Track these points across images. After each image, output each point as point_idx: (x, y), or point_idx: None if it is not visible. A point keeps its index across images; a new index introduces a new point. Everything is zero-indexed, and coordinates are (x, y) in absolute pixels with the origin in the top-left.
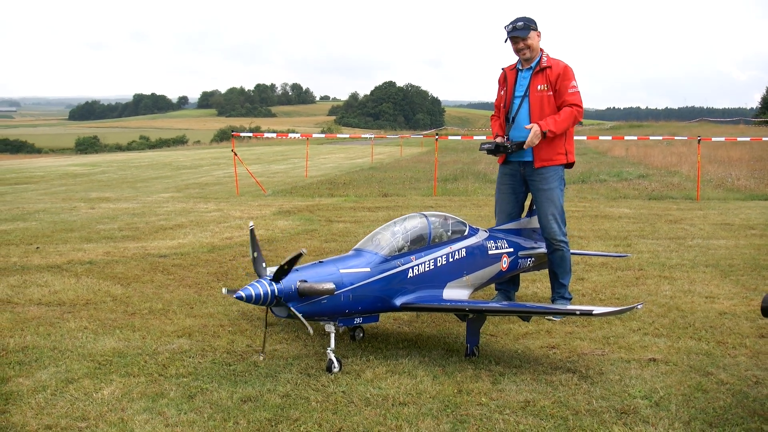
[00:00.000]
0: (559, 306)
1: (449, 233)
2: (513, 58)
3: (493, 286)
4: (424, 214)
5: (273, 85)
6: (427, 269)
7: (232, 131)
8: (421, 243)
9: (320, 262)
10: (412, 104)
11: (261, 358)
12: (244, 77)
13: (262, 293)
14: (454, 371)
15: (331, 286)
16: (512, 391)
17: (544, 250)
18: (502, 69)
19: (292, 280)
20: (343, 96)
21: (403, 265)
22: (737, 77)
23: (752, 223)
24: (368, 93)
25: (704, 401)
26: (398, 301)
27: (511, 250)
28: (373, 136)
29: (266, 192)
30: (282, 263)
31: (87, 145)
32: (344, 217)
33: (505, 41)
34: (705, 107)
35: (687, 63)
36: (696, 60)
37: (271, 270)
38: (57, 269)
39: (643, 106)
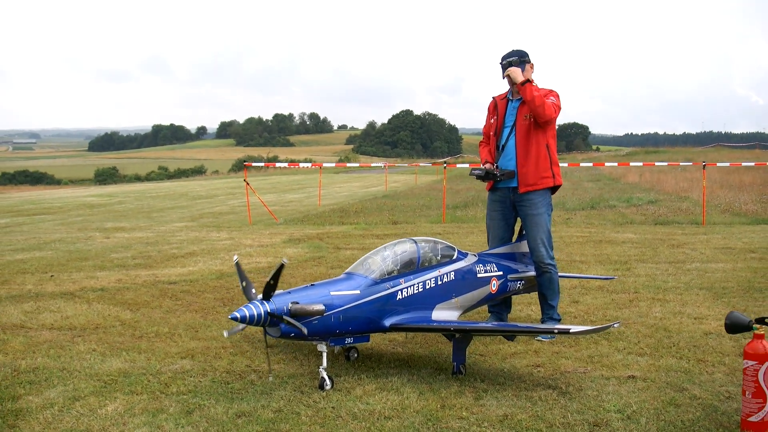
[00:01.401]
0: (538, 325)
1: (438, 257)
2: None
3: (486, 308)
4: (413, 240)
5: (291, 115)
6: (416, 291)
7: (244, 162)
8: (410, 267)
9: (312, 285)
10: (429, 132)
11: (270, 378)
12: (263, 107)
13: (255, 314)
14: (440, 388)
15: (321, 307)
16: (493, 406)
17: (533, 273)
18: (493, 98)
19: (284, 302)
20: (361, 125)
21: (392, 287)
22: (755, 101)
23: (754, 246)
24: (386, 122)
25: (674, 414)
26: (387, 322)
27: (501, 273)
28: (382, 164)
29: (278, 221)
30: (268, 279)
31: (106, 176)
32: (352, 244)
33: (503, 77)
34: (723, 132)
35: (704, 87)
36: (713, 83)
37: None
38: (70, 296)
39: (660, 131)
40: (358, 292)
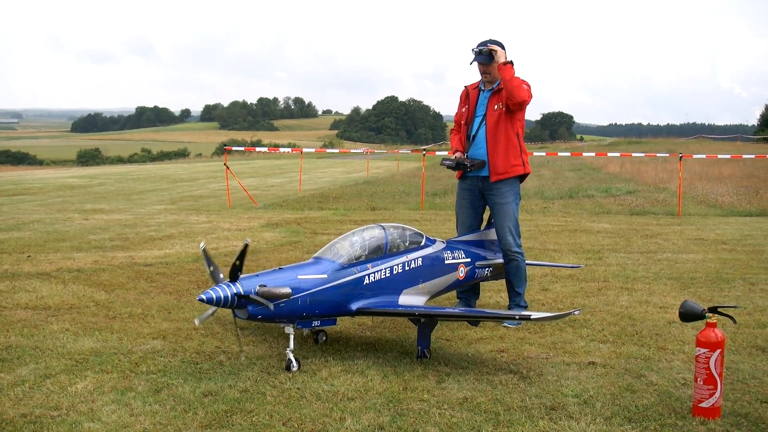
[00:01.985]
0: (500, 311)
1: (406, 243)
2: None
3: (454, 294)
4: (382, 226)
5: (276, 99)
6: (383, 276)
7: (224, 146)
8: (378, 252)
9: (280, 268)
10: (414, 119)
11: (242, 357)
12: (247, 91)
13: (223, 296)
14: (404, 371)
15: (287, 290)
16: (454, 389)
17: (501, 260)
18: (465, 86)
19: (252, 284)
20: (346, 110)
21: (359, 272)
22: (738, 93)
23: (726, 238)
24: (370, 107)
25: (629, 400)
26: (354, 306)
27: (469, 260)
28: (363, 150)
29: (257, 205)
30: (234, 260)
31: (89, 158)
32: (330, 229)
33: (471, 63)
34: (706, 124)
35: (690, 79)
36: (698, 76)
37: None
38: (46, 276)
39: (645, 123)
40: (325, 276)
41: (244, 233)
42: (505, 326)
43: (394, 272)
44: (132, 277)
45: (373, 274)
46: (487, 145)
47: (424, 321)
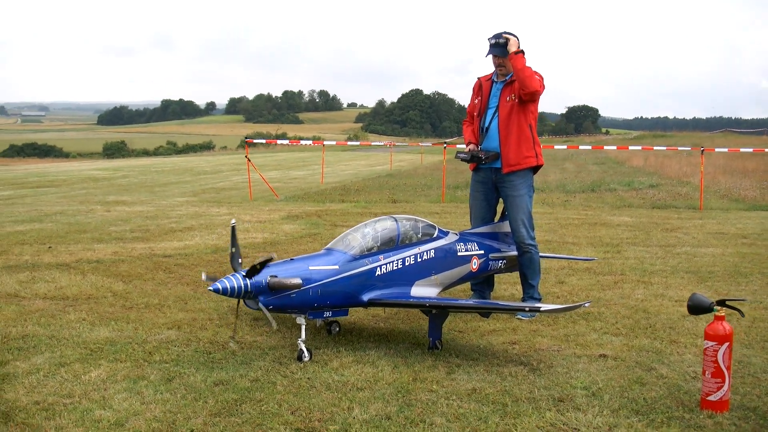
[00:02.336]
0: (510, 302)
1: (419, 235)
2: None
3: (468, 286)
4: (394, 218)
5: (300, 92)
6: (395, 268)
7: (246, 138)
8: (390, 244)
9: (291, 259)
10: (438, 112)
11: (231, 344)
12: (272, 84)
13: (235, 286)
14: (414, 362)
15: (298, 281)
16: (463, 380)
17: (514, 253)
18: (478, 78)
19: (263, 275)
20: (371, 103)
21: (371, 263)
22: (766, 87)
23: (746, 232)
24: (395, 100)
25: (638, 392)
26: (366, 297)
27: (482, 252)
28: (383, 143)
29: (278, 197)
30: (255, 263)
31: (114, 150)
32: (350, 221)
33: (486, 55)
34: (733, 117)
35: (715, 72)
36: (725, 69)
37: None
38: (65, 267)
39: (671, 116)
40: (336, 267)
41: (264, 225)
42: (518, 318)
43: (407, 264)
44: (150, 268)
45: (385, 266)
46: (499, 137)
47: (436, 312)
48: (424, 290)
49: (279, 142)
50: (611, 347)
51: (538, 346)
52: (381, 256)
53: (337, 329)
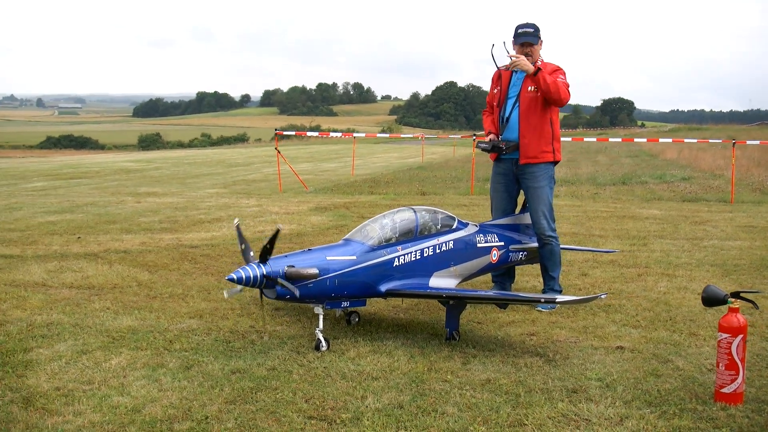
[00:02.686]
0: (528, 294)
1: (438, 226)
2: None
3: (489, 277)
4: (413, 209)
5: (335, 84)
6: (413, 259)
7: (276, 130)
8: (408, 235)
9: (309, 249)
10: (473, 104)
11: (265, 337)
12: (306, 76)
13: (252, 275)
14: (431, 352)
15: (315, 270)
16: (478, 370)
17: (535, 244)
18: (497, 67)
19: (280, 265)
20: (405, 95)
21: (389, 254)
22: None
23: None
24: (429, 93)
25: (652, 384)
26: (383, 287)
27: (502, 243)
28: (413, 135)
29: (308, 189)
30: (264, 243)
31: (149, 142)
32: (377, 213)
33: (513, 42)
34: None
35: (755, 65)
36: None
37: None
38: (93, 257)
39: (707, 109)
40: (354, 257)
41: (292, 217)
42: (538, 310)
43: (425, 255)
44: (176, 258)
45: (403, 257)
46: (519, 128)
47: (453, 303)
48: (442, 281)
49: (309, 133)
50: (629, 339)
51: (556, 337)
52: (399, 247)
53: (357, 319)
